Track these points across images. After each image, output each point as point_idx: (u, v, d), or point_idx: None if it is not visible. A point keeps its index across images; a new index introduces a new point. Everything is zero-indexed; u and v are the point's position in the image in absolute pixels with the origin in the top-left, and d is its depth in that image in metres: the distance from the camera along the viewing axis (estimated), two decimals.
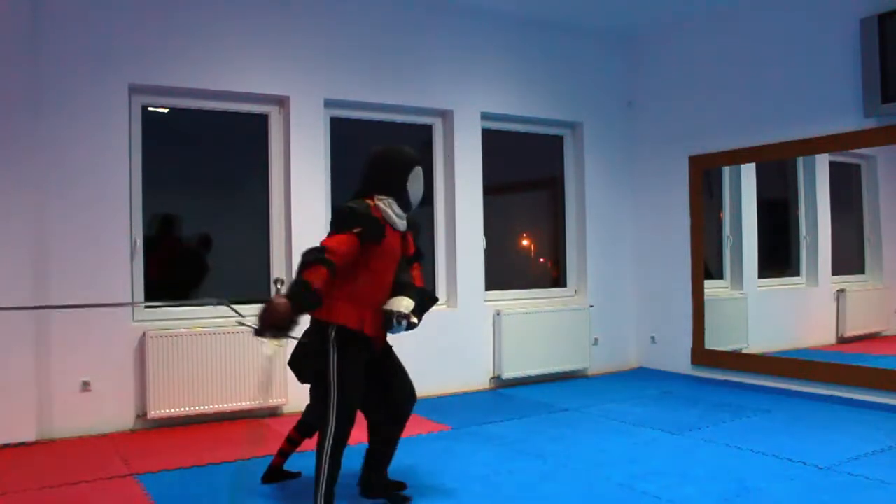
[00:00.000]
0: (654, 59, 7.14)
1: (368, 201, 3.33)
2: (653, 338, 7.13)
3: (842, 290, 6.46)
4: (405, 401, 3.52)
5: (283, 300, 2.86)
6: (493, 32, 6.55)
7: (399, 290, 3.42)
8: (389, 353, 3.56)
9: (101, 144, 5.00)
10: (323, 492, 3.16)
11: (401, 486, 3.67)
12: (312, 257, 3.04)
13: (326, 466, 3.15)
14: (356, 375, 3.26)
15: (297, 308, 2.89)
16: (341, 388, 3.19)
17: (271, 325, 2.86)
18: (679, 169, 6.80)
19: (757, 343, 6.33)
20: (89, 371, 4.93)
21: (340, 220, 3.22)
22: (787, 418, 5.13)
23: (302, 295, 2.92)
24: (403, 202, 3.41)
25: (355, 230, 3.17)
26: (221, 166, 5.97)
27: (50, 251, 4.84)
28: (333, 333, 3.23)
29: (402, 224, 3.43)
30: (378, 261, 3.30)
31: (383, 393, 3.49)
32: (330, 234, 3.24)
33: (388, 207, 3.35)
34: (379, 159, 3.43)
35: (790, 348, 6.22)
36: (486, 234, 6.53)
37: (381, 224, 3.29)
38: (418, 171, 3.44)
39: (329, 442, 3.15)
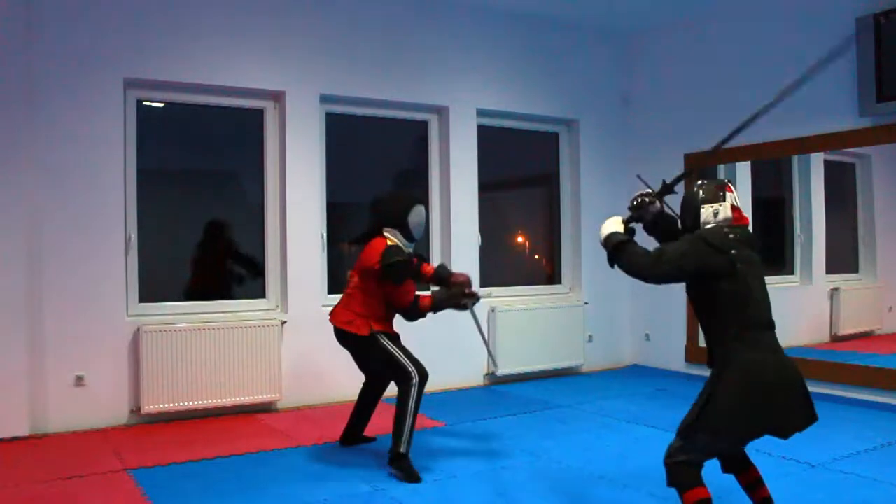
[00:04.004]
0: (650, 57, 7.14)
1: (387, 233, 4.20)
2: (647, 335, 7.15)
3: (836, 289, 6.48)
4: (380, 378, 4.48)
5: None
6: (490, 29, 6.54)
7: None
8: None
9: (96, 138, 4.99)
10: (409, 434, 3.95)
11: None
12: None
13: (413, 414, 4.01)
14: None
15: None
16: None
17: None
18: (674, 166, 6.79)
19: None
20: (83, 365, 4.92)
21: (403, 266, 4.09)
22: None
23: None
24: (405, 233, 4.21)
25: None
26: (216, 161, 5.96)
27: (44, 245, 4.82)
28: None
29: (409, 251, 4.21)
30: (396, 286, 4.13)
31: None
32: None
33: (394, 237, 4.16)
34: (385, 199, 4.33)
35: (784, 346, 6.16)
36: (481, 230, 6.53)
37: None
38: (420, 209, 4.27)
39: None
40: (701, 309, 2.92)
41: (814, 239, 6.58)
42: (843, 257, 6.61)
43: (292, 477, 3.93)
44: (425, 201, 4.41)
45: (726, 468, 3.03)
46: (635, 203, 3.20)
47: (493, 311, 6.47)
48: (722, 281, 2.78)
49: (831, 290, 6.48)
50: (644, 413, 5.31)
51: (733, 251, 2.80)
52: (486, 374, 6.48)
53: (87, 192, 4.96)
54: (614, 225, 3.11)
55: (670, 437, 4.57)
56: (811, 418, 2.82)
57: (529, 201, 7.61)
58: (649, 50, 7.14)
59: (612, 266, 3.09)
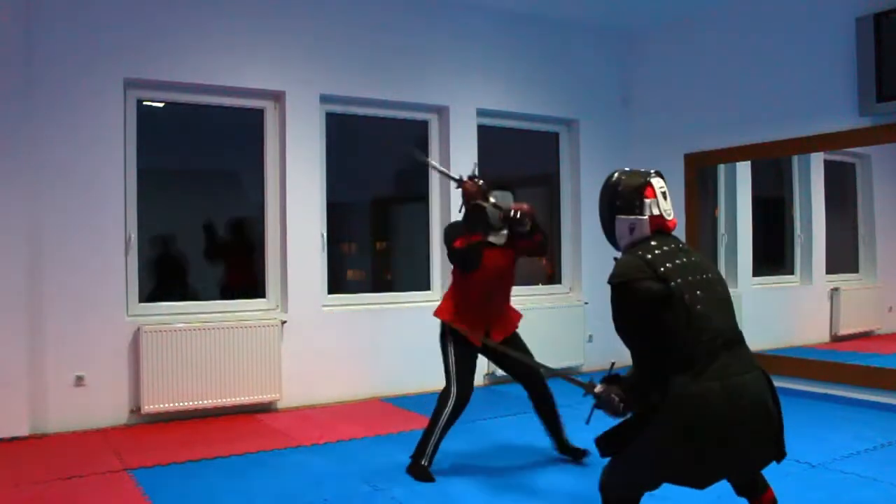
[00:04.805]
0: (650, 57, 7.14)
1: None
2: None
3: (836, 289, 6.47)
4: (523, 378, 4.15)
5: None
6: (490, 28, 6.54)
7: None
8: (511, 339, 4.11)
9: (96, 138, 4.99)
10: (433, 449, 3.86)
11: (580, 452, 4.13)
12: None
13: (442, 431, 3.87)
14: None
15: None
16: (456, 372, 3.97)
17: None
18: (674, 167, 6.79)
19: (751, 341, 6.20)
20: (83, 365, 4.92)
21: (448, 235, 3.98)
22: None
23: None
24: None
25: (460, 237, 3.92)
26: (216, 161, 5.96)
27: (44, 245, 4.82)
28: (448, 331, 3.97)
29: (495, 238, 4.01)
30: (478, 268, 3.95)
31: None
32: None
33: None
34: None
35: (784, 346, 6.23)
36: None
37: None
38: (494, 194, 3.98)
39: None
40: (634, 341, 2.49)
41: (814, 239, 6.57)
42: (843, 257, 6.60)
43: (292, 477, 3.93)
44: (504, 184, 4.17)
45: (739, 493, 2.68)
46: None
47: None
48: (657, 306, 2.36)
49: (831, 290, 6.48)
50: None
51: (661, 269, 2.38)
52: (487, 374, 6.47)
53: (88, 192, 4.96)
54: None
55: None
56: (774, 454, 2.44)
57: (529, 201, 7.57)
58: (650, 51, 7.13)
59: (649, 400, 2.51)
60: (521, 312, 4.32)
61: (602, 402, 2.62)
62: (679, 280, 2.37)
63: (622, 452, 2.50)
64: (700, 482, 2.37)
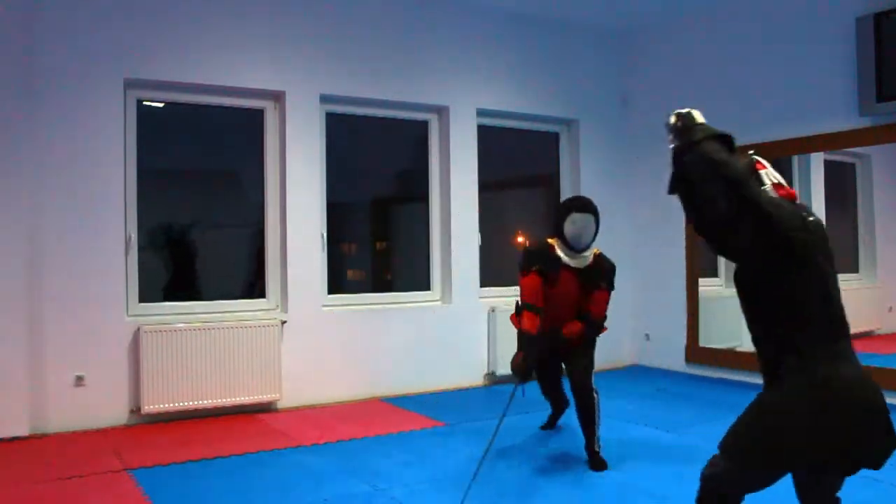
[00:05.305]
0: (649, 57, 7.14)
1: (549, 240, 4.21)
2: (647, 335, 7.14)
3: None
4: (572, 391, 4.27)
5: (518, 353, 4.14)
6: (490, 29, 6.54)
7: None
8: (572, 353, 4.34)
9: (96, 138, 4.99)
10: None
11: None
12: (518, 308, 4.24)
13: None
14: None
15: (527, 354, 4.08)
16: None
17: (514, 371, 4.15)
18: None
19: (751, 341, 6.34)
20: (83, 366, 4.91)
21: (523, 260, 4.20)
22: None
23: (525, 342, 4.11)
24: (565, 242, 4.14)
25: (534, 268, 4.12)
26: (216, 161, 5.96)
27: (44, 245, 4.82)
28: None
29: (575, 262, 4.17)
30: (551, 289, 4.14)
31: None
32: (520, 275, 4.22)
33: (558, 247, 4.17)
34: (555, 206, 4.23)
35: None
36: (480, 230, 6.53)
37: (555, 261, 4.14)
38: (574, 217, 4.12)
39: None
40: (763, 302, 2.32)
41: None
42: (843, 257, 6.59)
43: (292, 477, 3.93)
44: (587, 206, 4.28)
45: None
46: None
47: (493, 310, 6.47)
48: (801, 269, 2.17)
49: None
50: (645, 413, 5.31)
51: (815, 234, 2.21)
52: (487, 374, 6.47)
53: (87, 191, 4.96)
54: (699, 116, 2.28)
55: (672, 437, 4.57)
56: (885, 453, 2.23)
57: (529, 201, 7.61)
58: (649, 50, 7.14)
59: (677, 174, 2.23)
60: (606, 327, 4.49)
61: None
62: (823, 255, 2.22)
63: (742, 446, 2.35)
64: (827, 466, 2.27)
